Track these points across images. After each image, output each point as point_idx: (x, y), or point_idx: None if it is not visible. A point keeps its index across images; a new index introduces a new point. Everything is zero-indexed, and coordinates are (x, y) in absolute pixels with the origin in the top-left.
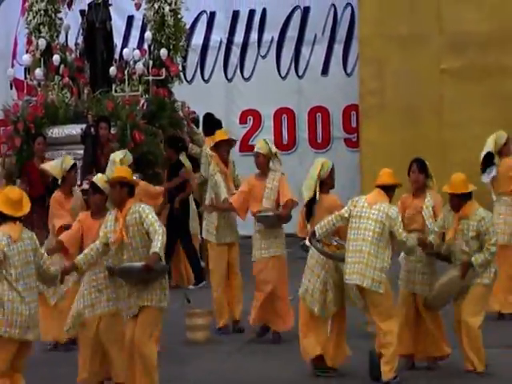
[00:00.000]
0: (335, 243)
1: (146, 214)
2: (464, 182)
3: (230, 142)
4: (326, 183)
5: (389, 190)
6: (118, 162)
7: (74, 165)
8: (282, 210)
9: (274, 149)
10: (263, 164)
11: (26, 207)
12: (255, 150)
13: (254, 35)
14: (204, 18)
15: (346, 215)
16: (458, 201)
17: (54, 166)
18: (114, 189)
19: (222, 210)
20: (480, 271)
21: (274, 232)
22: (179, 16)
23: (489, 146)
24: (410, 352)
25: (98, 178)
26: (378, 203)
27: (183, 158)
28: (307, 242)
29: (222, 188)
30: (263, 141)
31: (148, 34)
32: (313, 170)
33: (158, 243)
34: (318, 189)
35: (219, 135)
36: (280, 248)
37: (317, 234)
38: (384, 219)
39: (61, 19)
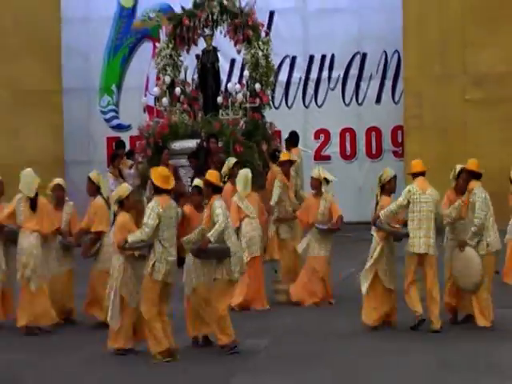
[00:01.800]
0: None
1: (216, 207)
2: (477, 165)
3: (290, 162)
4: (385, 187)
5: (424, 174)
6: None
7: None
8: (335, 224)
9: (323, 175)
10: (316, 186)
11: (172, 182)
12: (311, 175)
13: (325, 73)
14: (287, 61)
15: (405, 203)
16: (467, 177)
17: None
18: (205, 187)
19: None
20: (473, 244)
21: (327, 238)
22: (269, 59)
23: None
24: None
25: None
26: (429, 189)
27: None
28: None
29: (274, 197)
30: (317, 169)
31: (246, 73)
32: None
33: (213, 232)
34: (378, 191)
35: (283, 156)
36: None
37: (382, 218)
38: (436, 201)
39: (181, 61)
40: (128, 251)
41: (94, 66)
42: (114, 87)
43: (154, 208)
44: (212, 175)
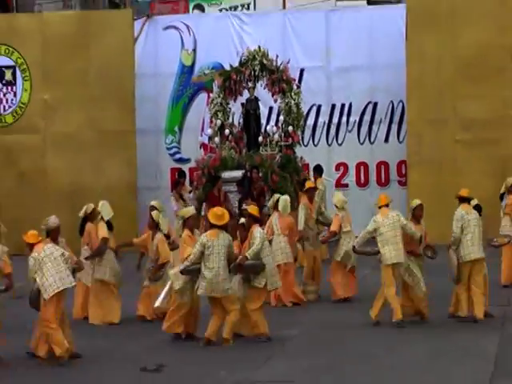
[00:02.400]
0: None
1: (255, 233)
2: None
3: (314, 188)
4: (414, 214)
5: (387, 206)
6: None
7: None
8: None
9: (340, 201)
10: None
11: (226, 219)
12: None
13: (344, 118)
14: (314, 108)
15: (371, 229)
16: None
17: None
18: (247, 218)
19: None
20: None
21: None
22: (299, 107)
23: (503, 188)
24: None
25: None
26: (390, 214)
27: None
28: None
29: (301, 221)
30: (337, 194)
31: (281, 117)
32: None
33: (250, 251)
34: (409, 217)
35: (308, 184)
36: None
37: (358, 243)
38: (399, 221)
39: (229, 108)
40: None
41: (161, 111)
42: (176, 128)
43: (202, 238)
44: (253, 209)
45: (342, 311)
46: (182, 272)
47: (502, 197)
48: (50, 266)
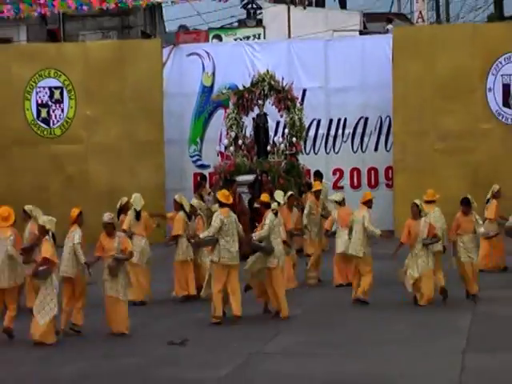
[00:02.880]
0: None
1: (266, 219)
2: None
3: (319, 190)
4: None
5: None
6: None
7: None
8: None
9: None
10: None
11: (231, 199)
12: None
13: (340, 131)
14: (315, 122)
15: (350, 225)
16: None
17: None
18: (261, 205)
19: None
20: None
21: None
22: (302, 121)
23: (489, 194)
24: None
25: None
26: (362, 212)
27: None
28: None
29: (306, 211)
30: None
31: (286, 130)
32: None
33: (257, 234)
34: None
35: (315, 186)
36: None
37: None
38: (364, 218)
39: (243, 122)
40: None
41: (185, 124)
42: (198, 139)
43: (218, 216)
44: (265, 197)
45: (339, 294)
46: (200, 242)
47: (487, 202)
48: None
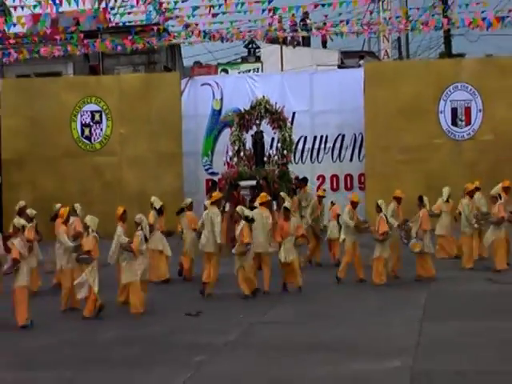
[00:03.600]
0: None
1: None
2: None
3: (323, 196)
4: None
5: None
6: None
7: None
8: None
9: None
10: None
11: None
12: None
13: (323, 145)
14: (302, 138)
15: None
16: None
17: None
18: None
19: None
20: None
21: None
22: (291, 137)
23: (446, 193)
24: None
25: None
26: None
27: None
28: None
29: (308, 213)
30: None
31: (279, 145)
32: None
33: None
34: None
35: (320, 193)
36: None
37: None
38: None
39: (244, 138)
40: None
41: (199, 140)
42: (209, 152)
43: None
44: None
45: (325, 275)
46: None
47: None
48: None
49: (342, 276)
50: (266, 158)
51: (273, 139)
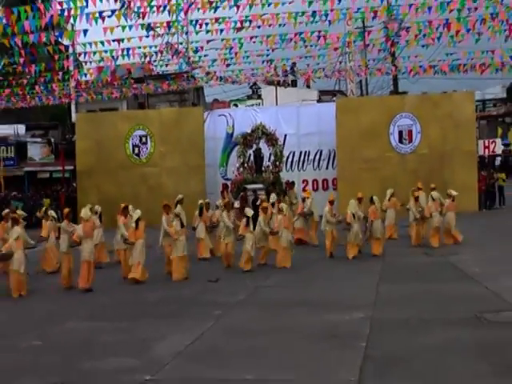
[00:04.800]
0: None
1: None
2: (362, 195)
3: (308, 197)
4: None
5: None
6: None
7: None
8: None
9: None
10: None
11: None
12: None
13: (307, 158)
14: (291, 154)
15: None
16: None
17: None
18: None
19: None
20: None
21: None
22: (282, 153)
23: (388, 193)
24: None
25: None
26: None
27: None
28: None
29: (309, 206)
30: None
31: (272, 158)
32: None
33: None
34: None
35: (306, 194)
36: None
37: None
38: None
39: (248, 153)
40: None
41: (217, 155)
42: (224, 164)
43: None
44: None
45: (314, 252)
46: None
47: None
48: None
49: (331, 251)
50: (264, 168)
51: (270, 155)
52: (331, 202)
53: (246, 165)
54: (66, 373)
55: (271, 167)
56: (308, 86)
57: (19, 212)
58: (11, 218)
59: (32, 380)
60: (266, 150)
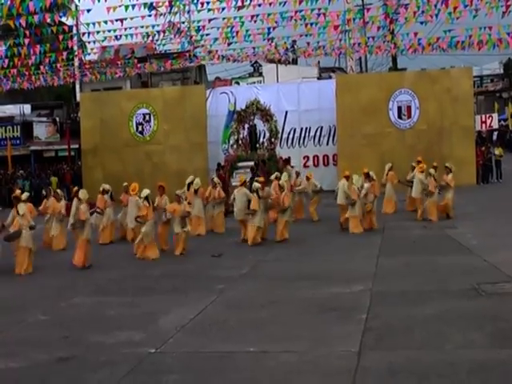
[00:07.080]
0: None
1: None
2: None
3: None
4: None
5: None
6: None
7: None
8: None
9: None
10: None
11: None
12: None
13: (307, 134)
14: (292, 130)
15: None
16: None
17: None
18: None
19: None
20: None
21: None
22: (277, 128)
23: (386, 168)
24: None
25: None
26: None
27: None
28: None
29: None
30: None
31: (267, 134)
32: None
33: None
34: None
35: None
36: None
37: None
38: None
39: (243, 129)
40: None
41: (219, 133)
42: (226, 141)
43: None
44: (261, 181)
45: (313, 227)
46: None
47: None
48: None
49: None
50: (258, 145)
51: (265, 132)
52: (347, 178)
53: (240, 142)
54: (72, 346)
55: (266, 144)
56: (308, 64)
57: (21, 194)
58: (13, 197)
59: (39, 353)
60: (261, 126)
